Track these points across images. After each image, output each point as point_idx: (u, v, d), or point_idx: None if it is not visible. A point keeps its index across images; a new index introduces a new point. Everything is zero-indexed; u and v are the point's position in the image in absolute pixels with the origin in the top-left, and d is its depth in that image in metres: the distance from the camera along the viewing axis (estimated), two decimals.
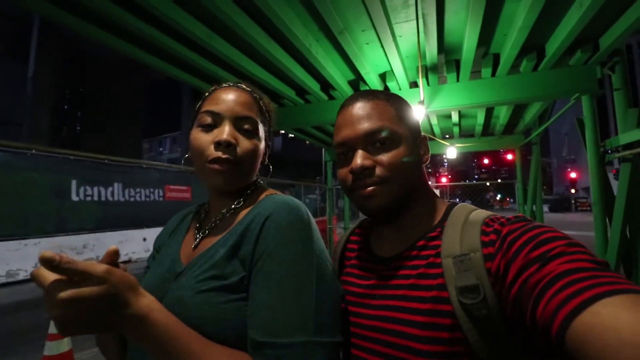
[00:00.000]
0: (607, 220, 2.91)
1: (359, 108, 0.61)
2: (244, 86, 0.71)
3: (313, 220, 0.61)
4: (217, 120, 0.65)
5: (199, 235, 0.69)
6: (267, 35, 2.64)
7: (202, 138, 0.65)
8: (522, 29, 2.44)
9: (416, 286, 0.56)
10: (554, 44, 2.72)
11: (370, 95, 0.63)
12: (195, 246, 0.67)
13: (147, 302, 0.47)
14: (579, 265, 0.38)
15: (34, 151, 6.17)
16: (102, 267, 0.42)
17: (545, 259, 0.41)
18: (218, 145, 0.63)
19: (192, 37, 2.51)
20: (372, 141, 0.60)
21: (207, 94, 0.70)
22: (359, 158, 0.58)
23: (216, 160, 0.63)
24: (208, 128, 0.65)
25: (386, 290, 0.60)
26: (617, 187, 2.79)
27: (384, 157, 0.59)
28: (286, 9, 2.30)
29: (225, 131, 0.64)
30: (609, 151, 2.96)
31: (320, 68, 3.12)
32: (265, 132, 0.72)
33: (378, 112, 0.61)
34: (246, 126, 0.66)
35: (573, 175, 32.84)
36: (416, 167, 0.62)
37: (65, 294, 0.39)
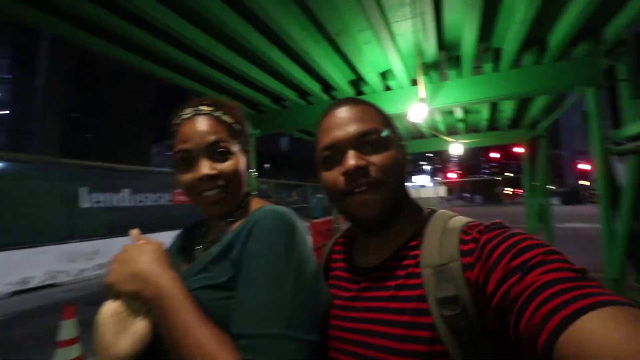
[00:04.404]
0: (614, 212, 2.86)
1: (347, 111, 0.60)
2: (205, 108, 0.72)
3: (299, 226, 0.65)
4: (191, 157, 0.68)
5: (199, 248, 0.75)
6: (266, 40, 2.66)
7: (185, 177, 0.69)
8: (522, 23, 2.40)
9: (395, 298, 0.55)
10: (556, 36, 2.68)
11: (355, 100, 0.63)
12: (195, 257, 0.73)
13: (171, 276, 0.59)
14: (561, 275, 0.38)
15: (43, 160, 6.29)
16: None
17: (526, 269, 0.40)
18: (200, 181, 0.67)
19: (194, 45, 2.55)
20: (363, 143, 0.58)
21: (173, 129, 0.73)
22: (352, 158, 0.56)
23: (207, 195, 0.69)
24: (186, 167, 0.69)
25: (365, 302, 0.59)
26: (625, 180, 2.74)
27: (377, 159, 0.57)
28: (283, 13, 2.31)
29: (203, 166, 0.67)
30: (617, 143, 2.89)
31: (320, 70, 3.13)
32: (239, 144, 0.74)
33: (367, 114, 0.60)
34: (219, 150, 0.69)
35: (584, 167, 32.25)
36: (405, 171, 0.62)
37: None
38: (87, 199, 7.17)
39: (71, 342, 2.66)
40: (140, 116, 38.08)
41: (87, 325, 2.96)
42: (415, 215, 0.64)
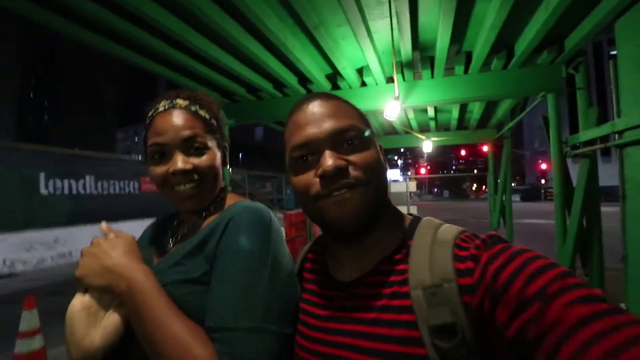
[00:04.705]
0: (567, 211, 3.09)
1: (321, 106, 0.53)
2: (181, 101, 0.71)
3: (275, 223, 0.66)
4: (165, 150, 0.67)
5: (172, 241, 0.73)
6: (242, 29, 2.61)
7: (157, 170, 0.67)
8: (492, 29, 2.52)
9: (379, 322, 0.47)
10: (523, 43, 2.83)
11: (328, 94, 0.56)
12: (168, 250, 0.72)
13: (143, 270, 0.59)
14: (592, 310, 0.33)
15: None
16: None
17: (545, 298, 0.35)
18: (174, 175, 0.66)
19: (166, 30, 2.46)
20: (340, 141, 0.51)
21: (147, 120, 0.71)
22: (330, 158, 0.48)
23: (182, 190, 0.67)
24: (160, 159, 0.67)
25: (344, 324, 0.51)
26: (576, 181, 2.96)
27: (357, 158, 0.50)
28: (260, 3, 2.28)
29: (177, 160, 0.66)
30: (570, 147, 3.12)
31: (297, 62, 3.11)
32: (215, 140, 0.73)
33: (343, 110, 0.53)
34: (195, 144, 0.68)
35: (543, 166, 34.29)
36: (386, 174, 0.55)
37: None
38: (46, 186, 6.77)
39: (32, 333, 2.55)
40: (104, 99, 36.05)
41: (48, 317, 2.83)
42: (397, 222, 0.56)
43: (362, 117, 0.56)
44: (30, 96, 30.76)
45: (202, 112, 0.72)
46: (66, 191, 7.31)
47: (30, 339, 2.53)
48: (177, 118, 0.68)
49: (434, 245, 0.48)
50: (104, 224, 0.69)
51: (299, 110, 0.54)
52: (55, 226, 7.11)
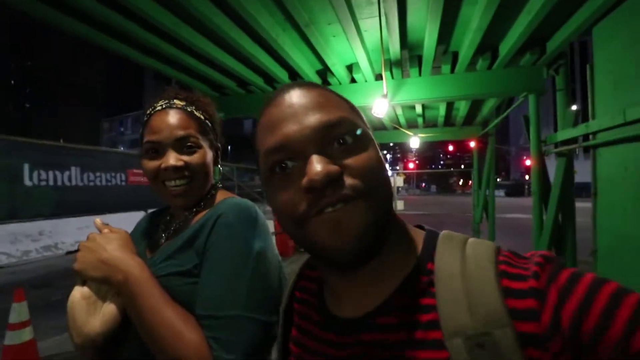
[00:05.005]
0: (544, 207, 3.25)
1: (301, 96, 0.39)
2: (178, 102, 0.75)
3: (262, 219, 0.71)
4: (160, 148, 0.71)
5: (164, 235, 0.78)
6: (234, 24, 2.64)
7: (150, 165, 0.72)
8: (477, 31, 2.61)
9: None
10: (506, 45, 2.93)
11: (309, 83, 0.42)
12: (160, 244, 0.77)
13: (137, 262, 0.64)
14: None
15: None
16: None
17: None
18: (166, 170, 0.70)
19: (158, 24, 2.47)
20: (329, 140, 0.37)
21: (145, 118, 0.75)
22: (319, 164, 0.34)
23: (173, 186, 0.71)
24: (154, 155, 0.72)
25: None
26: (553, 179, 3.11)
27: (353, 161, 0.37)
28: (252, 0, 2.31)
29: (170, 157, 0.70)
30: (554, 145, 3.26)
31: (287, 57, 3.15)
32: (209, 139, 0.77)
33: (330, 100, 0.40)
34: (188, 143, 0.72)
35: (528, 162, 35.13)
36: (389, 179, 0.42)
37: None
38: (31, 177, 6.63)
39: (22, 325, 2.56)
40: (89, 89, 35.09)
41: (34, 310, 2.82)
42: (406, 240, 0.43)
43: (354, 110, 0.43)
44: (11, 83, 29.69)
45: (198, 113, 0.76)
46: (51, 182, 7.16)
47: (20, 331, 2.54)
48: (173, 117, 0.72)
49: (466, 271, 0.35)
50: (98, 220, 0.72)
51: (272, 105, 0.41)
52: (40, 218, 6.98)
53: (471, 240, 0.40)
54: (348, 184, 0.35)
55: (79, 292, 0.63)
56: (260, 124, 0.42)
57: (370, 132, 0.42)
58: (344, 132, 0.38)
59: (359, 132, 0.39)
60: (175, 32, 2.60)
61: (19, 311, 2.58)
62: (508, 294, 0.33)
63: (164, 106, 0.73)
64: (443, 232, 0.42)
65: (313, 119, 0.38)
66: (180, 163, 0.70)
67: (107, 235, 0.67)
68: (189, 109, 0.74)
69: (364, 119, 0.44)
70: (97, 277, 0.62)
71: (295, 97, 0.40)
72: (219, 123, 0.83)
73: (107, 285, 0.63)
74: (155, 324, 0.58)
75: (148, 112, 0.75)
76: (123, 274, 0.61)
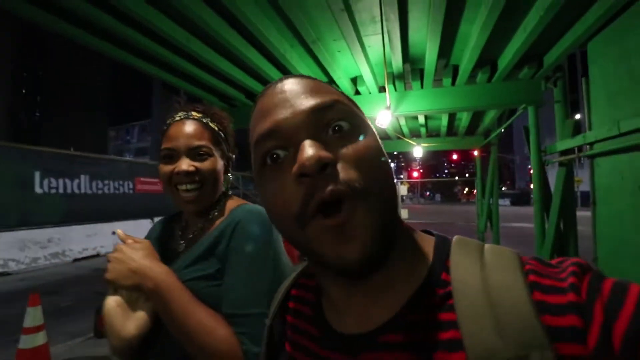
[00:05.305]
0: (545, 215, 3.31)
1: (294, 83, 0.37)
2: (195, 114, 0.81)
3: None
4: (175, 154, 0.77)
5: (182, 243, 0.84)
6: (244, 40, 2.77)
7: (165, 169, 0.78)
8: (476, 47, 2.72)
9: None
10: (505, 60, 3.04)
11: (303, 75, 0.40)
12: (181, 249, 0.83)
13: (163, 269, 0.70)
14: None
15: None
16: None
17: None
18: (178, 174, 0.76)
19: (171, 40, 2.62)
20: (323, 125, 0.34)
21: (165, 127, 0.82)
22: (310, 148, 0.31)
23: (184, 191, 0.77)
24: (170, 160, 0.78)
25: None
26: (554, 188, 3.18)
27: (349, 150, 0.33)
28: (262, 18, 2.45)
29: (182, 163, 0.76)
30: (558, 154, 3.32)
31: (294, 71, 3.28)
32: (221, 149, 0.83)
33: (324, 87, 0.38)
34: (200, 151, 0.78)
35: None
36: (392, 174, 0.37)
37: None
38: (41, 185, 6.79)
39: (36, 329, 2.65)
40: (97, 97, 35.70)
41: (45, 315, 2.89)
42: (414, 247, 0.38)
43: (349, 99, 0.40)
44: (22, 92, 30.34)
45: (213, 125, 0.82)
46: (61, 190, 7.31)
47: (34, 335, 2.62)
48: (189, 127, 0.79)
49: (489, 282, 0.31)
50: (119, 231, 0.78)
51: (265, 94, 0.39)
52: (49, 225, 7.11)
53: (488, 246, 0.35)
54: (343, 175, 0.31)
55: (112, 301, 0.69)
56: (252, 116, 0.40)
57: (369, 121, 0.39)
58: (338, 117, 0.35)
59: (356, 116, 0.36)
60: (187, 46, 2.74)
61: (33, 315, 2.66)
62: (544, 309, 0.28)
63: (182, 117, 0.81)
64: (456, 238, 0.37)
65: (305, 102, 0.35)
66: (191, 168, 0.76)
67: (132, 246, 0.72)
68: (204, 120, 0.81)
69: (361, 109, 0.40)
70: (129, 285, 0.68)
71: (288, 84, 0.38)
72: (232, 135, 0.89)
73: (138, 292, 0.69)
74: (189, 324, 0.64)
75: (168, 122, 0.82)
76: (153, 282, 0.67)
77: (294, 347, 0.43)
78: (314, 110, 0.34)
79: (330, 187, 0.31)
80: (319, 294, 0.43)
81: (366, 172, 0.32)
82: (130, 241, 0.74)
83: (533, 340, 0.27)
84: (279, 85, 0.38)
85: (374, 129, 0.38)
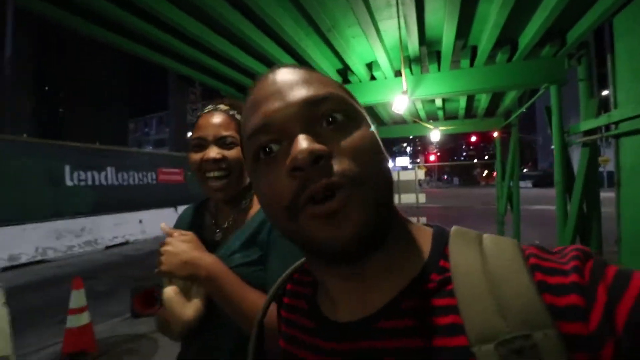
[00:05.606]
0: (568, 197, 3.26)
1: (287, 73, 0.37)
2: (223, 106, 0.87)
3: None
4: (204, 143, 0.83)
5: (219, 232, 0.90)
6: (260, 31, 2.81)
7: (195, 157, 0.84)
8: (495, 27, 2.66)
9: None
10: (526, 38, 2.95)
11: (297, 65, 0.41)
12: (219, 238, 0.90)
13: (212, 258, 0.76)
14: None
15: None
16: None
17: None
18: (206, 161, 0.81)
19: (187, 33, 2.69)
20: (317, 118, 0.35)
21: (195, 120, 0.88)
22: (304, 141, 0.32)
23: (212, 178, 0.82)
24: (199, 149, 0.84)
25: None
26: (577, 169, 3.12)
27: (344, 142, 0.34)
28: (277, 8, 2.47)
29: (211, 151, 0.82)
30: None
31: (309, 59, 3.29)
32: None
33: (317, 77, 0.38)
34: (227, 140, 0.83)
35: None
36: (387, 164, 0.37)
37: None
38: (71, 178, 7.15)
39: (80, 310, 2.88)
40: (116, 91, 36.54)
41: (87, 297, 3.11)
42: (411, 237, 0.38)
43: (344, 89, 0.40)
44: (45, 89, 31.42)
45: (239, 117, 0.86)
46: (89, 182, 7.69)
47: (80, 314, 2.87)
48: (217, 118, 0.85)
49: (488, 266, 0.31)
50: (163, 225, 0.83)
51: (257, 85, 0.39)
52: (81, 215, 7.51)
53: (487, 235, 0.36)
54: (338, 167, 0.32)
55: (170, 290, 0.76)
56: (244, 107, 0.40)
57: (363, 111, 0.39)
58: (332, 108, 0.35)
59: (350, 107, 0.36)
60: (202, 38, 2.80)
61: (77, 297, 2.90)
62: (545, 289, 0.28)
63: (211, 109, 0.87)
64: (454, 228, 0.38)
65: (298, 94, 0.35)
66: (219, 156, 0.81)
67: (180, 239, 0.77)
68: (231, 112, 0.87)
69: (356, 99, 0.41)
70: (184, 275, 0.73)
71: (280, 75, 0.37)
72: None
73: (192, 281, 0.75)
74: (243, 305, 0.71)
75: (198, 114, 0.89)
76: (206, 270, 0.73)
77: (289, 340, 0.43)
78: (307, 103, 0.34)
79: (323, 180, 0.31)
80: (315, 288, 0.44)
81: (361, 163, 0.33)
82: (176, 234, 0.78)
83: (535, 319, 0.27)
84: (271, 76, 0.37)
85: (369, 119, 0.38)
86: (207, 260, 0.75)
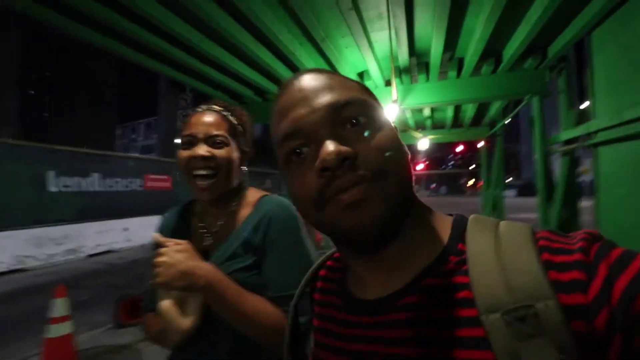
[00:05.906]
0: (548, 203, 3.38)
1: (311, 80, 0.40)
2: (216, 106, 0.86)
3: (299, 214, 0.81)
4: (194, 141, 0.81)
5: (209, 237, 0.88)
6: (255, 39, 2.86)
7: (183, 154, 0.82)
8: (481, 40, 2.78)
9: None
10: (509, 51, 3.09)
11: (319, 69, 0.43)
12: (208, 243, 0.87)
13: (209, 267, 0.74)
14: None
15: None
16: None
17: None
18: (195, 159, 0.80)
19: (184, 40, 2.72)
20: (341, 122, 0.38)
21: (188, 119, 0.86)
22: (331, 144, 0.35)
23: (199, 177, 0.80)
24: (189, 146, 0.82)
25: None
26: (558, 177, 3.24)
27: (367, 143, 0.37)
28: (272, 18, 2.53)
29: (199, 148, 0.80)
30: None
31: (303, 67, 3.36)
32: (237, 142, 0.86)
33: (340, 82, 0.40)
34: (217, 140, 0.82)
35: None
36: (408, 160, 0.41)
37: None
38: (55, 183, 6.97)
39: (62, 319, 2.77)
40: (104, 96, 35.99)
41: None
42: (432, 224, 0.42)
43: (366, 90, 0.43)
44: (31, 92, 30.73)
45: (231, 118, 0.86)
46: (74, 188, 7.50)
47: (61, 324, 2.75)
48: (210, 117, 0.83)
49: (501, 248, 0.34)
50: (156, 234, 0.81)
51: (284, 92, 0.41)
52: (64, 222, 7.30)
53: (503, 222, 0.38)
54: (362, 166, 0.35)
55: (167, 301, 0.74)
56: (273, 113, 0.43)
57: (383, 110, 0.41)
58: (356, 112, 0.38)
59: (373, 110, 0.39)
60: (197, 45, 2.84)
61: (60, 305, 2.79)
62: (550, 266, 0.31)
63: (204, 108, 0.86)
64: (473, 215, 0.41)
65: (323, 100, 0.38)
66: (208, 154, 0.80)
67: (175, 249, 0.75)
68: (224, 113, 0.86)
69: (378, 100, 0.43)
70: (182, 286, 0.71)
71: (305, 81, 0.40)
72: (250, 131, 0.93)
73: (190, 290, 0.74)
74: (244, 310, 0.73)
75: (190, 114, 0.87)
76: (204, 280, 0.72)
77: (321, 319, 0.48)
78: (332, 108, 0.37)
79: (349, 174, 0.34)
80: (344, 273, 0.48)
81: (383, 159, 0.36)
82: (170, 244, 0.76)
83: (538, 292, 0.29)
84: (296, 82, 0.40)
85: (389, 118, 0.41)
86: (205, 269, 0.74)
